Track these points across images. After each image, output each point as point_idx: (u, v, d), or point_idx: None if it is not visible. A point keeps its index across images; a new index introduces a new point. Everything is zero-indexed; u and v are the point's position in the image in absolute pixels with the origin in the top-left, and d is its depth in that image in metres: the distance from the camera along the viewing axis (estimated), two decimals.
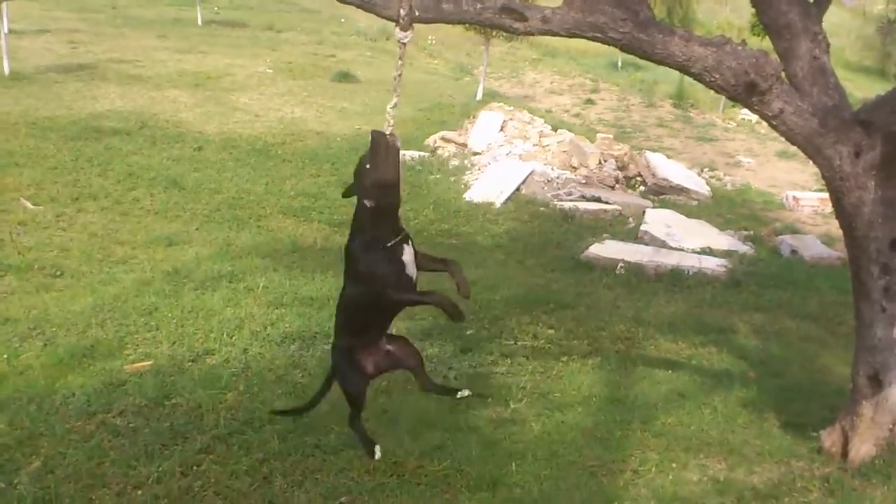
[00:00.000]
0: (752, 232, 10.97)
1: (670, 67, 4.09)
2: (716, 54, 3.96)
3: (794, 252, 10.04)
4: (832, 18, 4.75)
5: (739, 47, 3.99)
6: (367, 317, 4.14)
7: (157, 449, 4.31)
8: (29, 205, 8.64)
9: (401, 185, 4.02)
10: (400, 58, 3.93)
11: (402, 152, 10.80)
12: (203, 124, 13.44)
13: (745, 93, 4.00)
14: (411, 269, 4.04)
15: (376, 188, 3.88)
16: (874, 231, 4.25)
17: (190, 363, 5.40)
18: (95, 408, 4.68)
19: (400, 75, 3.97)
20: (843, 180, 4.20)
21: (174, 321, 6.02)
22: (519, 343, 6.32)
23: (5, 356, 5.24)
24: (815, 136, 4.13)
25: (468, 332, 6.38)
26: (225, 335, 5.85)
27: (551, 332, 6.69)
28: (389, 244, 3.94)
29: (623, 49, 4.04)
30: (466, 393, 4.49)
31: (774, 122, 4.14)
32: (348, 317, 4.17)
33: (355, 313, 4.13)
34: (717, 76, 3.98)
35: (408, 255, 4.02)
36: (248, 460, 4.27)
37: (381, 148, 3.85)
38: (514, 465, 4.39)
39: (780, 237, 10.63)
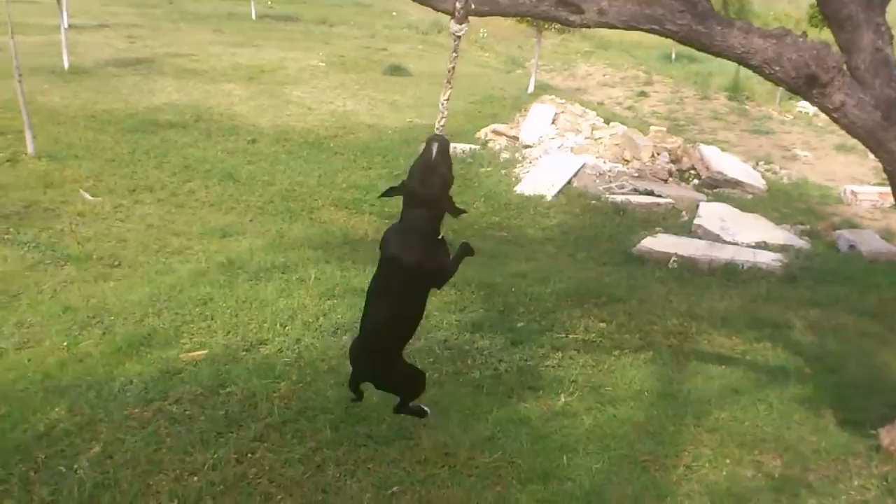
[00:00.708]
0: (808, 226, 10.76)
1: (729, 60, 4.03)
2: (776, 46, 3.89)
3: (851, 247, 9.84)
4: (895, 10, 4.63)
5: (800, 39, 3.92)
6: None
7: (213, 436, 4.38)
8: (88, 196, 8.82)
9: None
10: (454, 50, 3.92)
11: (453, 145, 10.81)
12: (257, 117, 13.59)
13: (806, 85, 3.93)
14: None
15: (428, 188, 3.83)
16: None
17: (244, 353, 5.48)
18: (152, 395, 4.77)
19: (454, 68, 3.96)
20: None
21: (228, 311, 6.10)
22: (570, 336, 6.28)
23: (65, 344, 5.36)
24: (878, 129, 4.04)
25: (519, 325, 6.37)
26: (278, 325, 5.92)
27: (603, 325, 6.64)
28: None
29: (681, 41, 3.99)
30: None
31: (835, 115, 4.06)
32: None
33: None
34: (778, 68, 3.91)
35: None
36: (301, 449, 4.32)
37: (434, 151, 3.80)
38: (565, 458, 4.39)
39: (837, 232, 10.42)
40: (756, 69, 3.97)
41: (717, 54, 4.01)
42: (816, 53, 3.84)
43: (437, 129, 4.01)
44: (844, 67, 4.08)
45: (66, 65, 14.94)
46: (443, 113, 3.99)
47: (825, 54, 3.85)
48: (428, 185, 3.79)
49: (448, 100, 4.03)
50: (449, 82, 4.01)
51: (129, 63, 16.23)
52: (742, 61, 3.96)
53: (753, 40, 3.90)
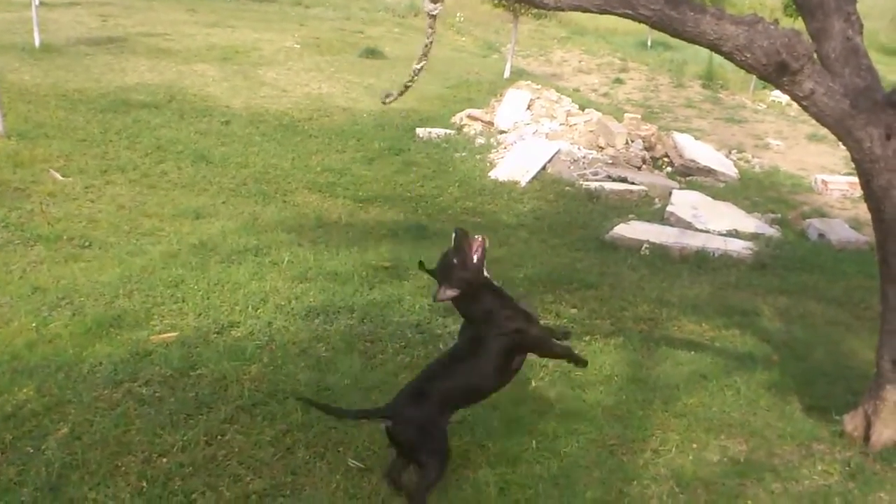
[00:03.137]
0: (779, 215, 10.86)
1: (701, 46, 4.05)
2: (747, 33, 3.92)
3: (821, 236, 9.95)
4: (867, 0, 4.68)
5: (771, 26, 3.95)
6: None
7: (182, 418, 4.38)
8: (58, 176, 8.72)
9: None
10: (430, 27, 3.92)
11: (428, 130, 10.70)
12: (230, 98, 13.50)
13: (776, 73, 3.96)
14: None
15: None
16: None
17: (215, 335, 5.46)
18: (122, 377, 4.76)
19: (431, 43, 3.95)
20: (872, 163, 4.16)
21: (200, 293, 6.08)
22: (541, 321, 6.30)
23: (34, 325, 5.32)
24: (846, 117, 4.09)
25: None
26: (250, 308, 5.91)
27: (574, 311, 6.69)
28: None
29: (653, 26, 4.01)
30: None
31: (805, 104, 4.10)
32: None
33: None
34: (749, 55, 3.94)
35: None
36: (271, 431, 4.33)
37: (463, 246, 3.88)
38: (534, 442, 4.43)
39: (807, 221, 10.53)
40: (727, 56, 4.00)
41: (690, 40, 4.03)
42: (787, 41, 3.87)
43: (403, 89, 4.02)
44: (815, 56, 4.11)
45: (37, 43, 14.74)
46: (412, 76, 3.99)
47: (796, 42, 3.88)
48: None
49: (421, 69, 4.02)
50: (425, 56, 4.01)
51: (101, 42, 16.04)
52: (714, 48, 3.98)
53: (725, 27, 3.92)
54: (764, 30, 3.92)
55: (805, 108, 4.15)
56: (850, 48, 4.34)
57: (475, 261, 3.85)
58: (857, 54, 4.34)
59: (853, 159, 4.31)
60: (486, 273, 3.91)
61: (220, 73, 15.00)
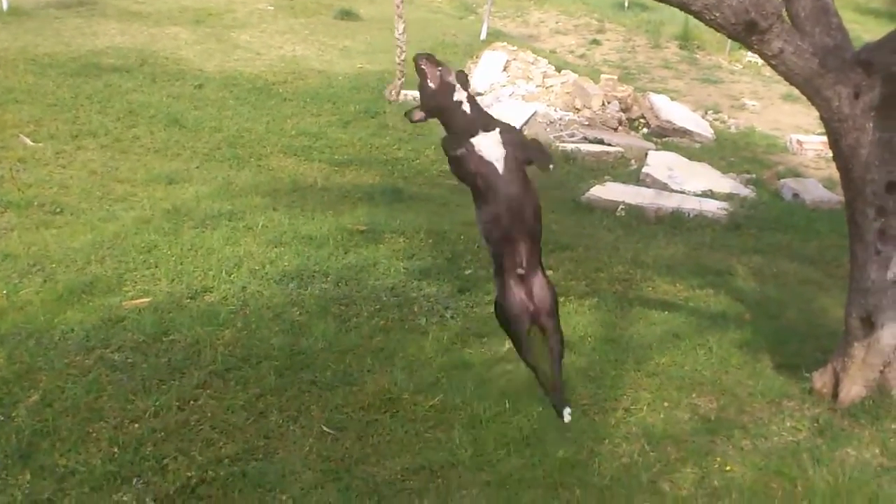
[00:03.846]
0: (754, 175, 10.90)
1: (670, 5, 4.03)
2: None
3: (795, 196, 10.00)
4: None
5: None
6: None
7: (155, 384, 4.37)
8: (28, 141, 8.61)
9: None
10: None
11: (403, 92, 10.47)
12: (203, 62, 13.31)
13: (745, 32, 3.95)
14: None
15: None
16: (871, 173, 4.23)
17: (188, 300, 5.44)
18: (94, 343, 4.74)
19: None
20: (841, 121, 4.17)
21: (173, 259, 6.04)
22: None
23: (5, 292, 5.28)
24: (815, 76, 4.09)
25: (467, 273, 6.40)
26: (224, 273, 5.88)
27: (549, 272, 6.64)
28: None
29: None
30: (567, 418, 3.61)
31: (774, 63, 4.10)
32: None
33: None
34: (718, 14, 3.92)
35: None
36: (244, 395, 4.34)
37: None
38: (507, 402, 4.45)
39: (782, 181, 10.58)
40: (697, 15, 3.99)
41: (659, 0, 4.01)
42: (756, 0, 3.85)
43: (398, 63, 3.93)
44: (784, 14, 4.10)
45: (4, 6, 14.43)
46: (401, 48, 3.90)
47: (764, 1, 3.87)
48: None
49: (403, 34, 3.96)
50: (400, 17, 3.95)
51: (71, 4, 15.71)
52: (683, 7, 3.96)
53: None
54: None
55: (774, 68, 4.14)
56: (820, 7, 4.33)
57: (437, 84, 3.34)
58: (828, 13, 4.34)
59: (822, 118, 4.32)
60: (461, 94, 3.36)
61: (192, 35, 14.77)
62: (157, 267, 5.90)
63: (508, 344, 5.16)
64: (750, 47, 4.09)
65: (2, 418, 3.95)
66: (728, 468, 4.08)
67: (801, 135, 12.99)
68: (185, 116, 10.35)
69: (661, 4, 4.29)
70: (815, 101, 4.22)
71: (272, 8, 17.79)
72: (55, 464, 3.66)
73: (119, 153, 8.80)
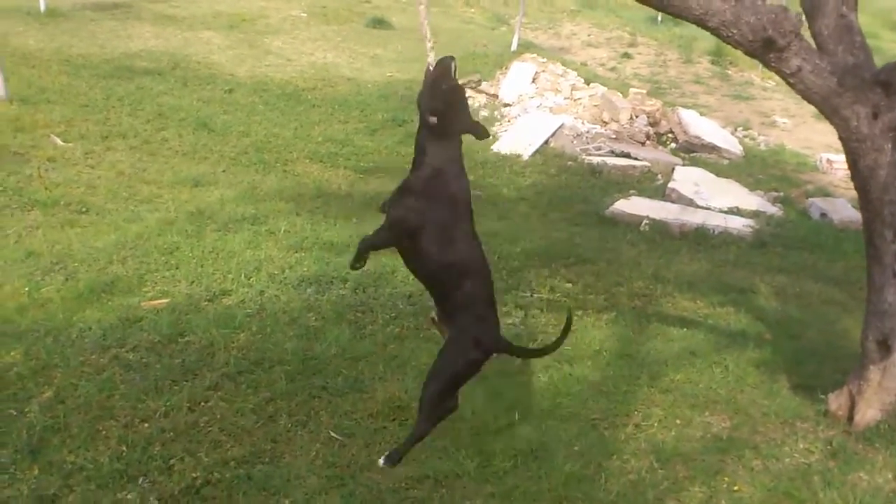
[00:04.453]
0: (782, 193, 10.80)
1: (687, 21, 4.01)
2: (734, 9, 3.88)
3: (823, 215, 9.90)
4: None
5: (758, 2, 3.91)
6: None
7: (167, 384, 4.41)
8: (59, 141, 8.73)
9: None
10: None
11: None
12: (235, 67, 13.45)
13: (763, 49, 3.93)
14: None
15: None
16: (889, 194, 4.18)
17: (206, 302, 5.49)
18: (110, 342, 4.79)
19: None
20: (859, 142, 4.13)
21: (194, 261, 6.10)
22: (535, 296, 6.32)
23: (27, 289, 5.35)
24: (833, 95, 4.05)
25: None
26: (243, 276, 5.92)
27: (569, 286, 6.69)
28: None
29: (639, 0, 3.97)
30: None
31: (792, 81, 4.07)
32: None
33: None
34: (735, 31, 3.90)
35: None
36: (254, 399, 4.36)
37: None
38: (516, 414, 4.44)
39: (810, 199, 10.47)
40: (714, 31, 3.97)
41: (676, 14, 3.99)
42: (774, 17, 3.83)
43: (428, 51, 3.94)
44: (802, 32, 4.07)
45: (42, 7, 14.68)
46: (430, 40, 3.92)
47: (782, 18, 3.84)
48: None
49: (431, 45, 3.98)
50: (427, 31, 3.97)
51: (106, 7, 15.96)
52: (700, 23, 3.94)
53: (712, 2, 3.88)
54: (751, 5, 3.88)
55: (792, 86, 4.11)
56: (843, 25, 4.29)
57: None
58: (851, 31, 4.30)
59: (840, 138, 4.27)
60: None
61: (225, 40, 14.94)
62: (177, 268, 5.96)
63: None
64: (767, 65, 4.06)
65: (15, 413, 4.00)
66: (736, 488, 4.03)
67: (831, 154, 12.85)
68: (214, 120, 10.45)
69: None
70: (833, 120, 4.18)
71: (305, 15, 17.95)
72: (63, 460, 3.70)
73: (147, 155, 8.90)
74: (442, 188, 3.46)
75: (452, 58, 3.57)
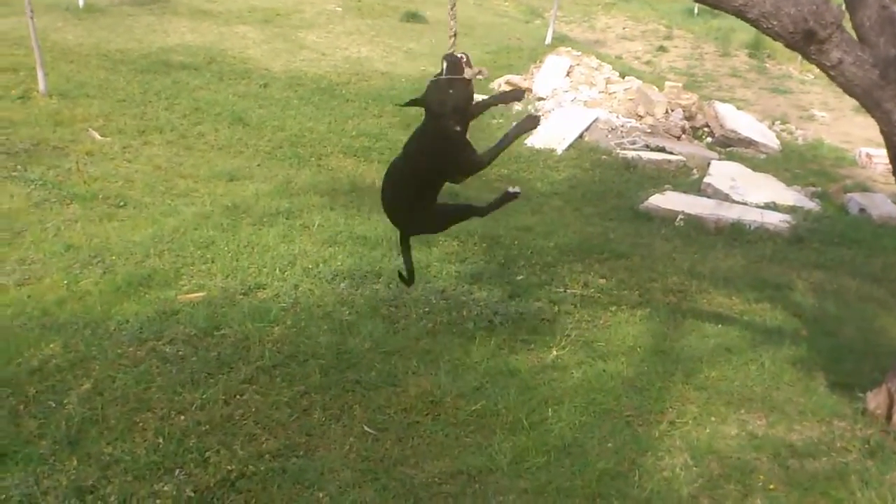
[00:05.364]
0: (819, 188, 10.64)
1: (726, 12, 3.96)
2: (774, 0, 3.82)
3: (862, 210, 9.75)
4: None
5: None
6: None
7: (203, 377, 4.46)
8: (97, 136, 8.84)
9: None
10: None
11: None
12: (270, 61, 13.52)
13: (803, 41, 3.87)
14: None
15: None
16: None
17: (241, 296, 5.53)
18: (147, 335, 4.85)
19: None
20: None
21: (229, 255, 6.15)
22: (568, 291, 6.30)
23: (65, 282, 5.43)
24: (875, 88, 3.98)
25: (518, 278, 6.39)
26: (277, 270, 5.97)
27: (602, 281, 6.65)
28: None
29: None
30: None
31: (833, 73, 4.00)
32: None
33: None
34: (775, 23, 3.84)
35: None
36: (289, 392, 4.40)
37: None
38: (550, 410, 4.44)
39: (848, 194, 10.31)
40: (753, 23, 3.91)
41: (714, 6, 3.95)
42: (815, 9, 3.77)
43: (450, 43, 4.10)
44: (843, 24, 4.01)
45: (80, 3, 14.87)
46: (453, 29, 4.09)
47: (824, 10, 3.78)
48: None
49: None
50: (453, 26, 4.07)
51: (144, 3, 16.10)
52: (739, 14, 3.89)
53: None
54: None
55: (833, 79, 4.05)
56: (886, 17, 4.21)
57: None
58: (893, 23, 4.21)
59: (882, 132, 4.20)
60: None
61: (260, 35, 15.02)
62: (213, 262, 6.01)
63: (556, 351, 5.18)
64: (808, 57, 4.00)
65: (54, 405, 4.07)
66: (772, 487, 4.00)
67: (871, 148, 12.65)
68: (250, 115, 10.51)
69: None
70: (874, 113, 4.11)
71: (340, 9, 17.99)
72: (101, 452, 3.76)
73: (184, 149, 8.98)
74: None
75: (452, 54, 3.87)
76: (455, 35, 4.02)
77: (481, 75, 3.94)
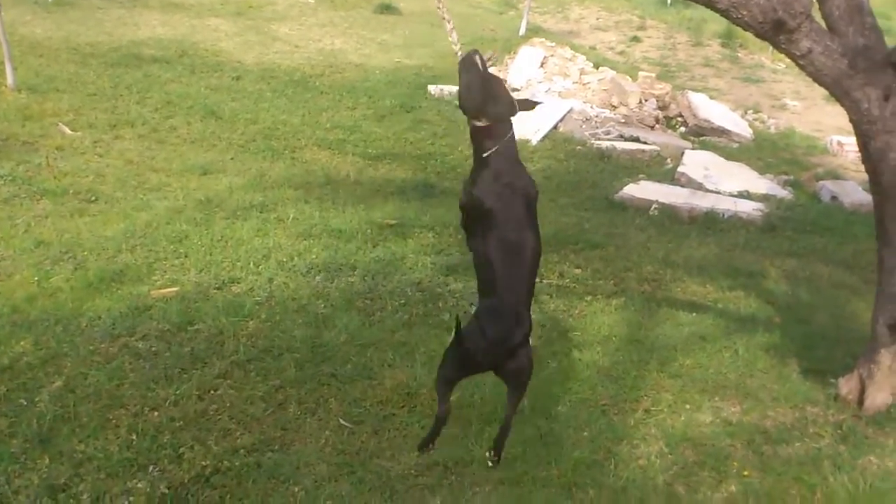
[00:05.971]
0: (792, 177, 10.73)
1: (697, 3, 3.98)
2: None
3: (833, 198, 9.83)
4: None
5: None
6: None
7: (177, 373, 4.43)
8: (67, 130, 8.74)
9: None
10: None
11: (439, 87, 10.57)
12: (242, 54, 13.42)
13: (773, 31, 3.89)
14: None
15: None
16: None
17: (215, 290, 5.50)
18: (119, 331, 4.80)
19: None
20: (870, 124, 4.09)
21: (203, 249, 6.11)
22: (544, 282, 6.29)
23: (36, 278, 5.37)
24: (844, 77, 4.02)
25: None
26: (251, 264, 5.93)
27: (578, 271, 6.67)
28: None
29: None
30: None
31: (802, 63, 4.03)
32: None
33: None
34: (745, 13, 3.87)
35: None
36: (264, 387, 4.38)
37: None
38: (525, 401, 4.42)
39: (820, 182, 10.40)
40: (723, 13, 3.93)
41: None
42: None
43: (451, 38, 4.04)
44: (812, 13, 4.03)
45: None
46: (449, 22, 4.01)
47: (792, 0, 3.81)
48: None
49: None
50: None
51: None
52: (710, 5, 3.91)
53: None
54: None
55: (802, 68, 4.08)
56: (854, 6, 4.24)
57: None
58: (861, 12, 4.25)
59: (851, 120, 4.24)
60: None
61: (232, 27, 14.91)
62: (186, 257, 5.97)
63: (531, 341, 5.17)
64: (777, 47, 4.03)
65: (25, 403, 4.02)
66: (746, 473, 4.03)
67: (842, 136, 12.76)
68: (222, 108, 10.43)
69: None
70: (843, 102, 4.15)
71: (313, 1, 17.89)
72: (73, 449, 3.72)
73: (156, 143, 8.90)
74: None
75: (476, 51, 3.73)
76: (452, 27, 3.96)
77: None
